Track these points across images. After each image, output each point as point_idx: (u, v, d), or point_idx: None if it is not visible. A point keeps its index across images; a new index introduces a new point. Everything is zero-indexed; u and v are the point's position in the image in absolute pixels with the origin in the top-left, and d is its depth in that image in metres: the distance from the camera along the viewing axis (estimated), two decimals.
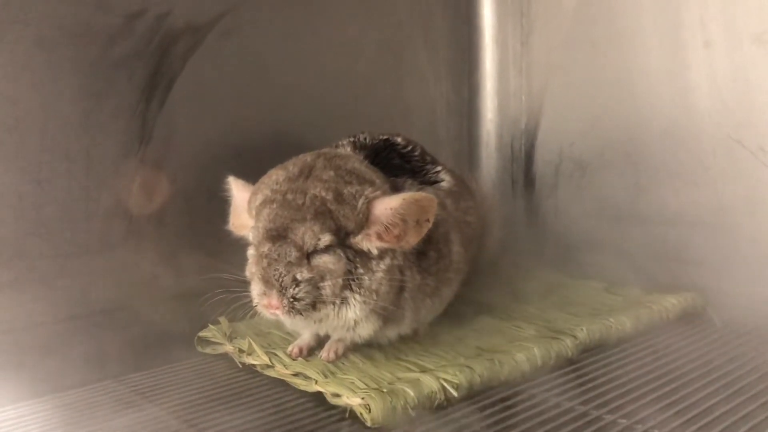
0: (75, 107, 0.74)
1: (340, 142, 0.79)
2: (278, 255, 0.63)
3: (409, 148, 0.81)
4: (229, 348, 0.77)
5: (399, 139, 0.81)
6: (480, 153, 1.21)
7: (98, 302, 0.76)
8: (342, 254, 0.64)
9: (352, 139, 0.79)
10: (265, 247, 0.64)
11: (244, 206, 0.70)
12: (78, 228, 0.74)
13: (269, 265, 0.63)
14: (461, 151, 1.19)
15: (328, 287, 0.64)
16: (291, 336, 0.77)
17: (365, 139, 0.79)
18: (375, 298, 0.66)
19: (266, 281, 0.63)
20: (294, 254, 0.63)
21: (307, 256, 0.63)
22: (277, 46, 0.92)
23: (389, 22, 1.07)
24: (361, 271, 0.65)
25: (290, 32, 0.93)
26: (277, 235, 0.64)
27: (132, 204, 0.78)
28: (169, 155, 0.81)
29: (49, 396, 0.69)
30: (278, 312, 0.64)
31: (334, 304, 0.65)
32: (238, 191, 0.71)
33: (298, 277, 0.63)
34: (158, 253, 0.80)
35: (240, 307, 0.66)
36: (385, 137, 0.80)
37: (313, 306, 0.64)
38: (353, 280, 0.65)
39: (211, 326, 0.80)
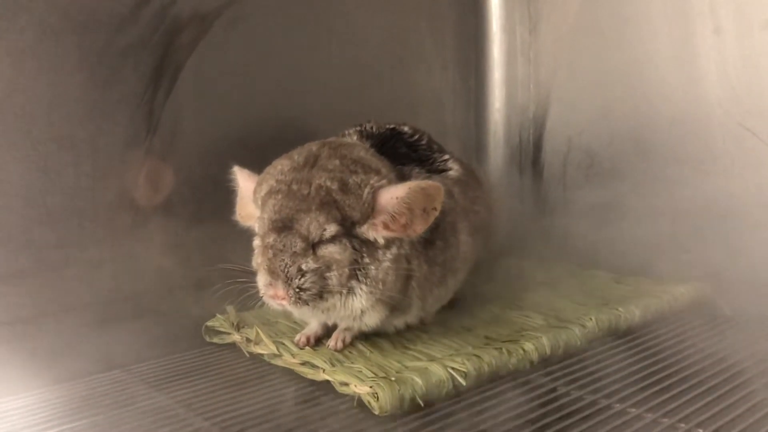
0: (81, 96, 0.73)
1: (346, 131, 0.79)
2: (283, 246, 0.63)
3: (416, 137, 0.81)
4: (236, 337, 0.77)
5: (406, 128, 0.81)
6: (487, 142, 1.20)
7: (105, 292, 0.76)
8: (348, 244, 0.64)
9: (358, 128, 0.79)
10: (271, 238, 0.64)
11: (250, 196, 0.69)
12: (85, 217, 0.74)
13: (275, 255, 0.63)
14: (468, 140, 1.19)
15: (334, 277, 0.64)
16: (298, 325, 0.77)
17: (372, 128, 0.79)
18: (381, 287, 0.66)
19: (272, 272, 0.63)
20: (299, 245, 0.63)
21: (313, 246, 0.63)
22: (283, 35, 0.91)
23: (395, 11, 1.06)
24: (367, 260, 0.65)
25: (296, 21, 0.93)
26: (283, 226, 0.63)
27: (138, 193, 0.78)
28: (176, 144, 0.81)
29: (57, 385, 0.69)
30: (284, 302, 0.64)
31: (340, 293, 0.65)
32: (244, 181, 0.71)
33: (304, 267, 0.63)
34: (165, 242, 0.80)
35: (247, 298, 0.66)
36: (391, 126, 0.80)
37: (320, 296, 0.64)
38: (359, 269, 0.65)
39: (218, 316, 0.80)
